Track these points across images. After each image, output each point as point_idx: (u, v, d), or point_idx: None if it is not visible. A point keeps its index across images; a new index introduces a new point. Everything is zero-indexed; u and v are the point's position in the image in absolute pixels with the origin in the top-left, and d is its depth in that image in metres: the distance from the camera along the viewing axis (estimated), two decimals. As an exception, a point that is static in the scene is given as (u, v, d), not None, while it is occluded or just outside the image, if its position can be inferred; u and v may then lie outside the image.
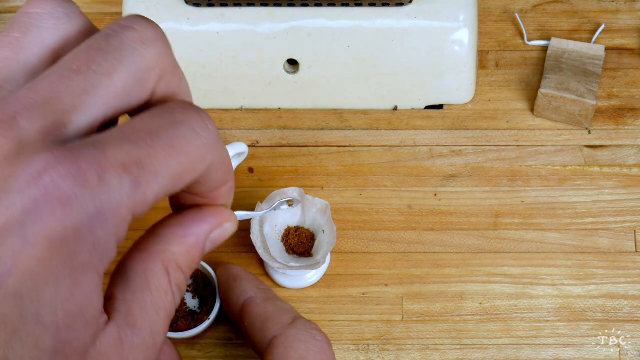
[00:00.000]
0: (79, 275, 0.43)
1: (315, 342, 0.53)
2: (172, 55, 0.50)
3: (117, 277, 0.46)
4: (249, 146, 0.74)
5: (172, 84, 0.52)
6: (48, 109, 0.45)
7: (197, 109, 0.47)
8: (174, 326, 0.64)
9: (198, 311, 0.66)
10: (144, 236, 0.49)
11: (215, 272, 0.66)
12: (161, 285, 0.47)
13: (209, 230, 0.50)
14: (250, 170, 0.73)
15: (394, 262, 0.70)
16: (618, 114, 0.75)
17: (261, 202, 0.67)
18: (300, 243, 0.68)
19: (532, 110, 0.75)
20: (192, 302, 0.66)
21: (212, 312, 0.64)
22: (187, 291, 0.66)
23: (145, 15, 0.75)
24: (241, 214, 0.55)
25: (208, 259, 0.70)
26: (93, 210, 0.43)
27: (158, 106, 0.49)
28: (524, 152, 0.74)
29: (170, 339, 0.63)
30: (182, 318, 0.65)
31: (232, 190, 0.53)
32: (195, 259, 0.50)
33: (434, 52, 0.73)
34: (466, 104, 0.76)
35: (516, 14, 0.79)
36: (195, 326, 0.64)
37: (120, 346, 0.44)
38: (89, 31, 0.49)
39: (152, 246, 0.49)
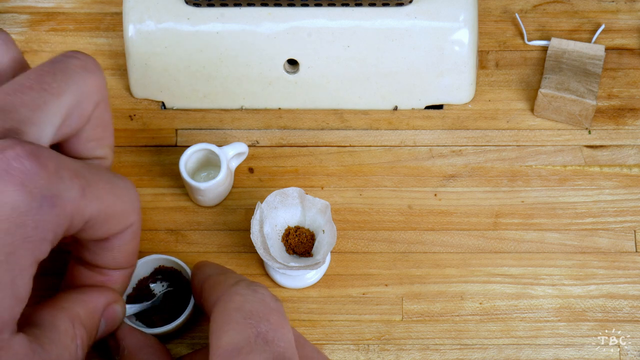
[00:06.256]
0: (16, 248, 0.48)
1: (255, 294, 0.53)
2: (107, 91, 0.57)
3: (25, 322, 0.51)
4: (249, 146, 0.74)
5: (106, 116, 0.59)
6: (7, 116, 0.51)
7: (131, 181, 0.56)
8: (151, 323, 0.65)
9: (175, 307, 0.65)
10: (47, 300, 0.55)
11: None
12: (67, 331, 0.54)
13: (105, 303, 0.58)
14: (250, 170, 0.73)
15: (394, 262, 0.70)
16: (618, 114, 0.75)
17: (261, 202, 0.67)
18: (300, 243, 0.68)
19: (532, 110, 0.75)
20: (167, 299, 0.66)
21: (187, 308, 0.64)
22: (161, 287, 0.66)
23: (145, 15, 0.78)
24: (129, 306, 0.63)
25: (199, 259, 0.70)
26: (46, 192, 0.48)
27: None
28: (524, 152, 0.74)
29: (154, 335, 0.63)
30: (158, 314, 0.65)
31: (127, 279, 0.61)
32: (94, 323, 0.56)
33: (434, 52, 0.73)
34: (466, 104, 0.76)
35: (516, 14, 0.79)
36: (171, 322, 0.64)
37: (32, 354, 0.49)
38: (21, 62, 0.56)
39: (58, 303, 0.55)
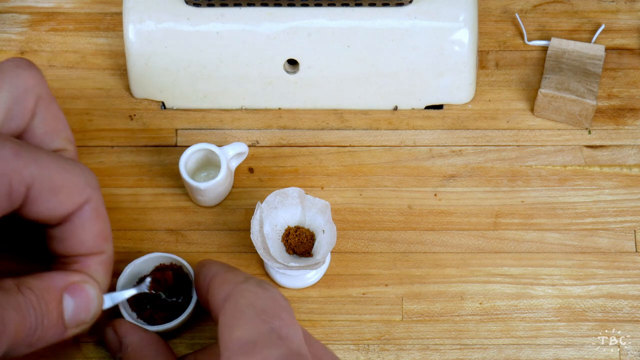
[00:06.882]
0: None
1: (264, 291, 0.54)
2: (48, 87, 0.58)
3: None
4: (249, 146, 0.74)
5: (52, 108, 0.60)
6: None
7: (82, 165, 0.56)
8: (152, 321, 0.65)
9: (176, 305, 0.65)
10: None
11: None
12: (10, 288, 0.52)
13: (65, 280, 0.56)
14: (250, 170, 0.73)
15: (394, 262, 0.70)
16: (618, 114, 0.76)
17: (261, 202, 0.67)
18: (300, 243, 0.68)
19: (532, 110, 0.75)
20: (169, 297, 0.66)
21: (189, 306, 0.64)
22: (164, 284, 0.66)
23: (145, 15, 0.78)
24: (114, 295, 0.61)
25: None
26: None
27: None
28: (524, 152, 0.74)
29: (156, 333, 0.63)
30: (159, 312, 0.65)
31: (104, 268, 0.60)
32: (51, 296, 0.54)
33: (433, 52, 0.73)
34: (466, 104, 0.76)
35: (516, 14, 0.79)
36: (173, 319, 0.64)
37: None
38: None
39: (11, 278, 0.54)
